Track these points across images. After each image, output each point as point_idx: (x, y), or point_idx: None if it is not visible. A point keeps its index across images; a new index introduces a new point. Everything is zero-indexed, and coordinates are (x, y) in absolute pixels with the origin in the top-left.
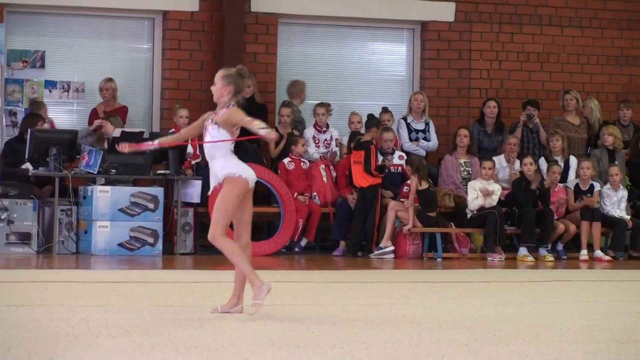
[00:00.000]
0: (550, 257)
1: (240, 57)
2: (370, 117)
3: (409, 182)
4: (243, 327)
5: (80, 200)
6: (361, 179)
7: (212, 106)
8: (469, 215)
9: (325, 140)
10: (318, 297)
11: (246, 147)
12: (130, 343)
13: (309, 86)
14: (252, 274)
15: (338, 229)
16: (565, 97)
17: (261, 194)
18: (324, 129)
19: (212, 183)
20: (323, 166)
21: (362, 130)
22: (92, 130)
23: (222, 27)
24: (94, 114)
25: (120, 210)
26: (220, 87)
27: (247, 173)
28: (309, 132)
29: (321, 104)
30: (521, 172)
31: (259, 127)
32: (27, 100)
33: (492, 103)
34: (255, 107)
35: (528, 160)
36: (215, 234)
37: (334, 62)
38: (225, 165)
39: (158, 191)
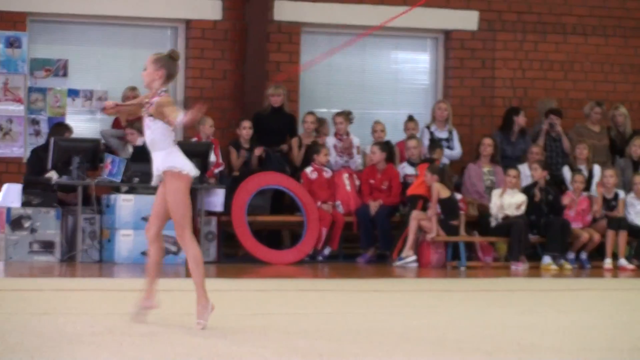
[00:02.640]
0: (568, 266)
1: (263, 66)
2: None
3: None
4: (266, 336)
5: (103, 209)
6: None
7: (236, 114)
8: (492, 224)
9: (347, 148)
10: (342, 306)
11: (269, 156)
12: (153, 352)
13: (332, 95)
14: (203, 289)
15: (364, 237)
16: (596, 109)
17: (285, 203)
18: (344, 136)
19: (154, 176)
20: (346, 175)
21: (386, 139)
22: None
23: (245, 35)
24: (116, 123)
25: (144, 218)
26: (151, 72)
27: (190, 168)
28: (330, 140)
29: (340, 113)
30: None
31: (180, 119)
32: (50, 109)
33: (522, 114)
34: (284, 117)
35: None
36: (185, 238)
37: (357, 71)
38: (166, 158)
39: None
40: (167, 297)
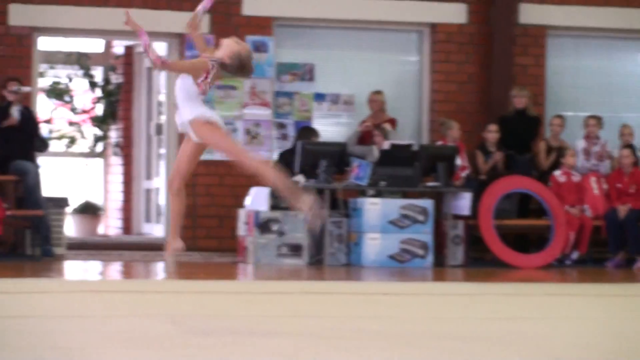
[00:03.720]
0: None
1: (509, 69)
2: None
3: None
4: (516, 341)
5: (350, 212)
6: None
7: (481, 118)
8: None
9: (597, 152)
10: (589, 311)
11: (516, 159)
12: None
13: (580, 97)
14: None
15: (613, 241)
16: None
17: (531, 207)
18: (595, 140)
19: (179, 124)
20: (594, 178)
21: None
22: (360, 131)
23: (490, 39)
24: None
25: (391, 222)
26: (225, 51)
27: (218, 117)
28: (580, 143)
29: (593, 116)
30: None
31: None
32: (297, 112)
33: None
34: (528, 120)
35: None
36: (250, 162)
37: (604, 74)
38: (193, 109)
39: (428, 203)
40: (414, 300)
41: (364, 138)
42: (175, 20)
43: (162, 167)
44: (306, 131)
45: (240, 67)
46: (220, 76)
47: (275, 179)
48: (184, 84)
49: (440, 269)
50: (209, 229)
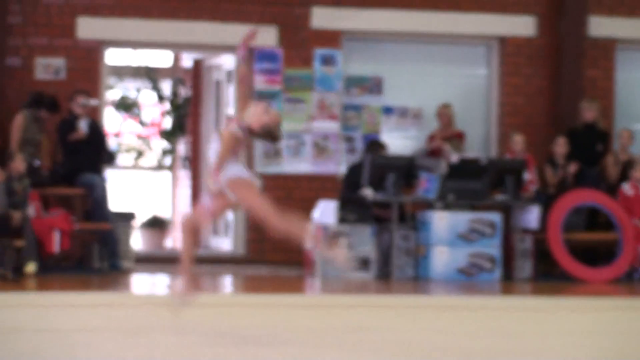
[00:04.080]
0: None
1: (578, 82)
2: None
3: None
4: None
5: (418, 225)
6: None
7: (550, 131)
8: None
9: None
10: None
11: (584, 172)
12: None
13: None
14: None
15: None
16: None
17: (600, 220)
18: None
19: (214, 185)
20: None
21: None
22: (429, 150)
23: (559, 52)
24: (430, 141)
25: (459, 235)
26: (257, 117)
27: (252, 176)
28: None
29: None
30: None
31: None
32: (365, 126)
33: None
34: (597, 133)
35: None
36: (274, 223)
37: None
38: (228, 169)
39: (496, 217)
40: (482, 314)
41: (433, 151)
42: (244, 33)
43: None
44: (374, 144)
45: (268, 136)
46: (248, 141)
47: (307, 238)
48: (218, 148)
49: (508, 282)
50: (276, 242)
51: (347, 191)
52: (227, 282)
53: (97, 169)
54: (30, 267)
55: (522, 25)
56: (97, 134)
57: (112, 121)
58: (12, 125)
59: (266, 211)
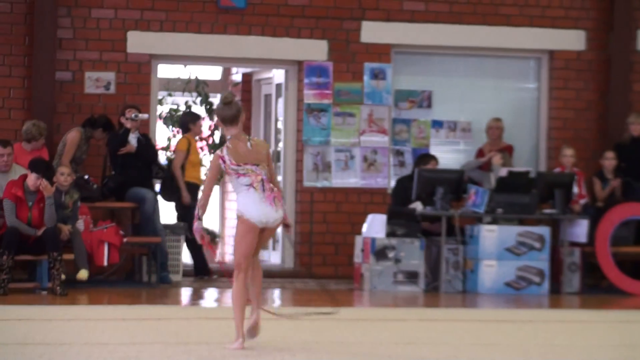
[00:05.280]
0: None
1: (626, 96)
2: None
3: None
4: None
5: (467, 239)
6: None
7: (599, 145)
8: None
9: None
10: None
11: (633, 186)
12: None
13: None
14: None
15: None
16: None
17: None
18: None
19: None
20: None
21: None
22: (482, 162)
23: (608, 66)
24: (479, 155)
25: (507, 249)
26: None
27: (251, 214)
28: None
29: None
30: None
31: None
32: (414, 139)
33: None
34: None
35: None
36: (235, 275)
37: None
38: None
39: (544, 230)
40: (530, 327)
41: (482, 165)
42: (294, 48)
43: None
44: (424, 158)
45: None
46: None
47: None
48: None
49: (556, 296)
50: (325, 256)
51: (396, 205)
52: (275, 295)
53: (147, 183)
54: (83, 274)
55: (572, 40)
56: (147, 148)
57: (162, 135)
58: (67, 140)
59: (237, 260)
